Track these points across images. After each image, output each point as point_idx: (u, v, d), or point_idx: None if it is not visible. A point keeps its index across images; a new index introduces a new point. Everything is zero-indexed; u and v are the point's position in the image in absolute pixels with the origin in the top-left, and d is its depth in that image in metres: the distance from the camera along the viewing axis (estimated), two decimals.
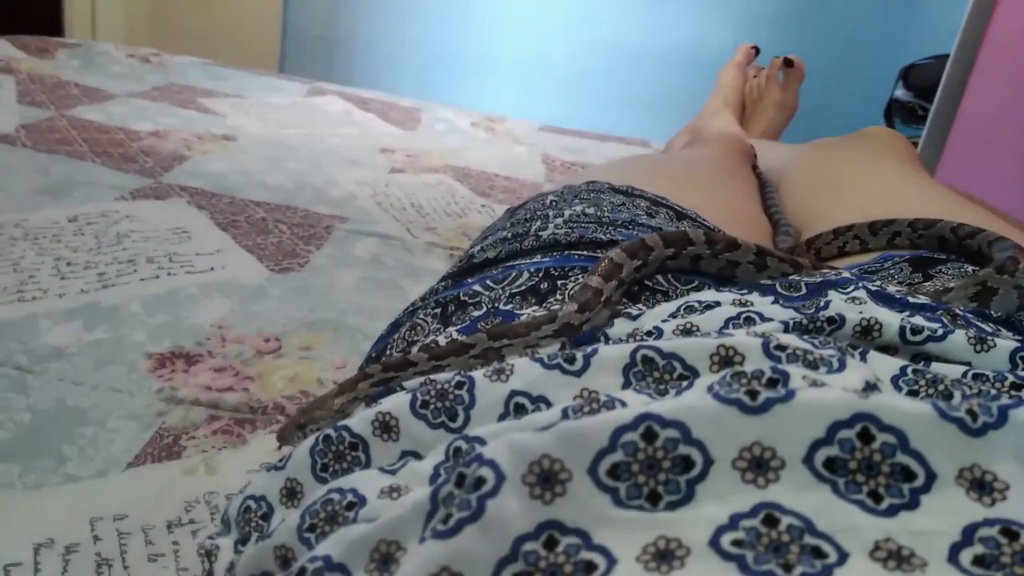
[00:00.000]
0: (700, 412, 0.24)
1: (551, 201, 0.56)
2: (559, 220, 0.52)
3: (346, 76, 2.45)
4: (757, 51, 1.41)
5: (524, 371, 0.31)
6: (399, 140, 1.51)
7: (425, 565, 0.21)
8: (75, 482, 0.55)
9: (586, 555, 0.22)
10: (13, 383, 0.63)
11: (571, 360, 0.31)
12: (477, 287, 0.45)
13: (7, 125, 1.21)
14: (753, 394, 0.24)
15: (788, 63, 1.34)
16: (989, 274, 0.41)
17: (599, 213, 0.53)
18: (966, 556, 0.21)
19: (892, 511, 0.23)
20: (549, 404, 0.29)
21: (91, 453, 0.58)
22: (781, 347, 0.29)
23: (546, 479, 0.23)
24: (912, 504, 0.23)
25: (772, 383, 0.26)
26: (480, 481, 0.23)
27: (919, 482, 0.23)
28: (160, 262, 0.87)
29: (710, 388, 0.25)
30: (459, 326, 0.42)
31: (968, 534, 0.22)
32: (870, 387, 0.27)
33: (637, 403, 0.26)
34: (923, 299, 0.38)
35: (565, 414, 0.26)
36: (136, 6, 2.51)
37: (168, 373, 0.68)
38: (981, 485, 0.23)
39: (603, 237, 0.49)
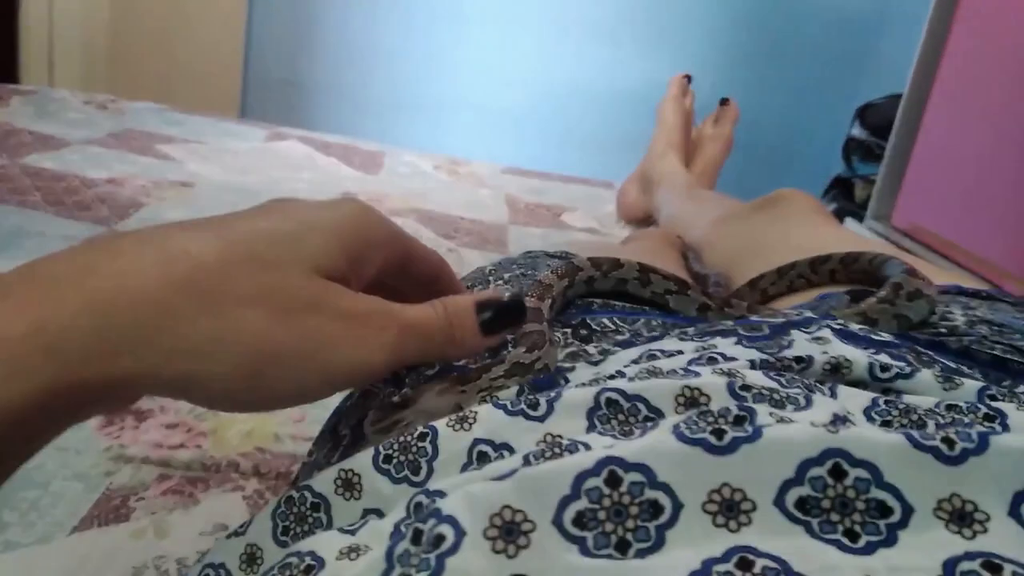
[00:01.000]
0: (664, 454, 0.23)
1: (489, 270, 0.56)
2: (499, 283, 0.52)
3: (308, 119, 2.45)
4: (689, 79, 1.46)
5: (487, 418, 0.30)
6: (362, 184, 1.50)
7: None
8: (15, 549, 0.52)
9: None
10: None
11: (534, 406, 0.30)
12: None
13: None
14: (719, 433, 0.23)
15: (723, 102, 1.44)
16: (870, 305, 0.43)
17: (536, 274, 0.54)
18: None
19: (870, 549, 0.22)
20: (512, 451, 0.28)
21: (33, 518, 0.55)
22: (747, 387, 0.29)
23: (508, 531, 0.22)
24: (890, 540, 0.22)
25: (739, 420, 0.25)
26: (439, 538, 0.22)
27: (896, 517, 0.22)
28: None
29: (675, 428, 0.24)
30: (409, 381, 0.41)
31: (949, 569, 0.21)
32: (839, 419, 0.26)
33: (599, 446, 0.25)
34: (886, 336, 0.37)
35: (527, 460, 0.25)
36: (94, 50, 2.49)
37: (116, 430, 0.65)
38: (961, 516, 0.22)
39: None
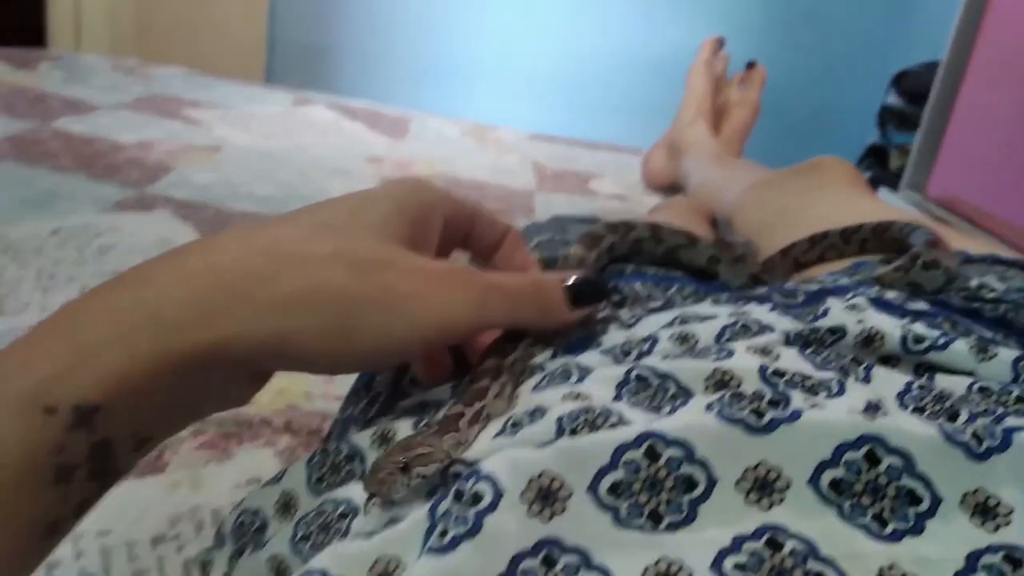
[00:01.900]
0: (704, 431, 0.24)
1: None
2: (529, 247, 0.52)
3: (333, 85, 2.44)
4: (721, 42, 1.43)
5: (522, 390, 0.32)
6: (388, 149, 1.49)
7: None
8: None
9: (586, 575, 0.22)
10: None
11: (567, 375, 0.31)
12: None
13: None
14: (759, 414, 0.24)
15: (750, 65, 1.41)
16: (886, 273, 0.43)
17: (565, 240, 0.54)
18: None
19: (897, 536, 0.23)
20: (544, 412, 0.28)
21: None
22: (779, 373, 0.29)
23: (545, 496, 0.23)
24: (917, 529, 0.23)
25: (774, 404, 0.26)
26: (477, 497, 0.23)
27: (924, 506, 0.23)
28: None
29: (710, 407, 0.25)
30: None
31: (972, 561, 0.22)
32: (872, 407, 0.26)
33: (638, 419, 0.26)
34: (923, 305, 0.37)
35: (560, 425, 0.26)
36: (121, 16, 2.49)
37: None
38: (985, 510, 0.23)
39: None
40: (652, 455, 0.24)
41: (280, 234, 0.29)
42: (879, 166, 2.19)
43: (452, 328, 0.30)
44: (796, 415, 0.24)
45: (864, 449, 0.24)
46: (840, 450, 0.24)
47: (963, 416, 0.27)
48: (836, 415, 0.25)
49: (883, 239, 0.55)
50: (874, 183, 1.96)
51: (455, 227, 0.35)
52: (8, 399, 0.24)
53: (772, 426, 0.24)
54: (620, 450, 0.24)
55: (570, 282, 0.34)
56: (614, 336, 0.36)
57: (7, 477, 0.24)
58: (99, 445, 0.25)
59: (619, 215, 0.59)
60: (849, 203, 0.75)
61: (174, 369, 0.26)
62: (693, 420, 0.25)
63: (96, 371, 0.25)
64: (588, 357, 0.33)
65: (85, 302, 0.27)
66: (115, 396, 0.25)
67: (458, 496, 0.23)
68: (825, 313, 0.34)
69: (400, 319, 0.29)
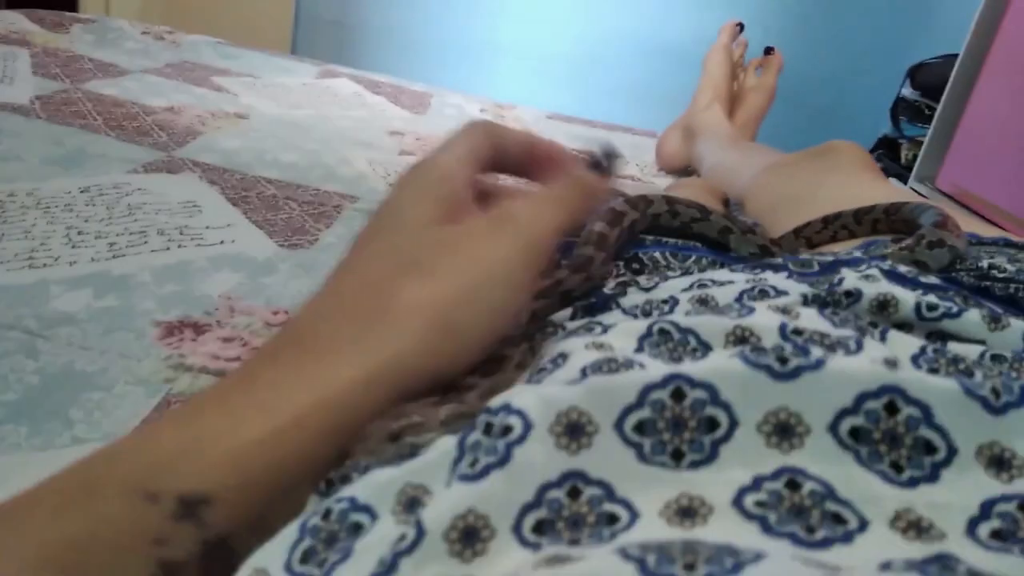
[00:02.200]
0: (730, 375, 0.25)
1: None
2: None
3: (356, 60, 2.46)
4: (741, 27, 1.43)
5: (548, 343, 0.32)
6: (409, 124, 1.52)
7: (452, 507, 0.22)
8: (82, 445, 0.56)
9: (609, 507, 0.23)
10: (23, 346, 0.65)
11: (590, 330, 0.32)
12: None
13: (22, 96, 1.22)
14: (783, 360, 0.25)
15: (768, 51, 1.42)
16: (893, 252, 0.43)
17: None
18: (984, 529, 0.22)
19: (912, 483, 0.23)
20: (567, 357, 0.29)
21: (98, 417, 0.59)
22: (798, 332, 0.29)
23: (573, 430, 0.24)
24: (932, 477, 0.23)
25: (797, 355, 0.26)
26: (508, 429, 0.23)
27: (940, 456, 0.23)
28: (171, 234, 0.89)
29: (740, 353, 0.25)
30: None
31: (986, 508, 0.22)
32: (891, 363, 0.27)
33: (661, 364, 0.26)
34: (934, 280, 0.38)
35: (584, 373, 0.27)
36: None
37: (176, 341, 0.69)
38: (1000, 462, 0.23)
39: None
40: (678, 395, 0.24)
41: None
42: (890, 158, 2.19)
43: (541, 246, 0.32)
44: (820, 363, 0.25)
45: (884, 399, 0.24)
46: (861, 399, 0.24)
47: (978, 376, 0.27)
48: (859, 365, 0.25)
49: (894, 220, 0.56)
50: (884, 174, 1.96)
51: (515, 163, 0.37)
52: (113, 482, 0.24)
53: (796, 373, 0.24)
54: (647, 389, 0.24)
55: (591, 158, 0.36)
56: (634, 298, 0.38)
57: (106, 563, 0.23)
58: (212, 544, 0.24)
59: (636, 191, 0.60)
60: (861, 186, 0.75)
61: (291, 452, 0.25)
62: (719, 364, 0.25)
63: (205, 459, 0.24)
64: (609, 316, 0.34)
65: (203, 397, 0.27)
66: (226, 487, 0.24)
67: (488, 429, 0.24)
68: (840, 282, 0.35)
69: (482, 301, 0.30)
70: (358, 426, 0.27)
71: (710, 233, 0.49)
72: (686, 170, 1.39)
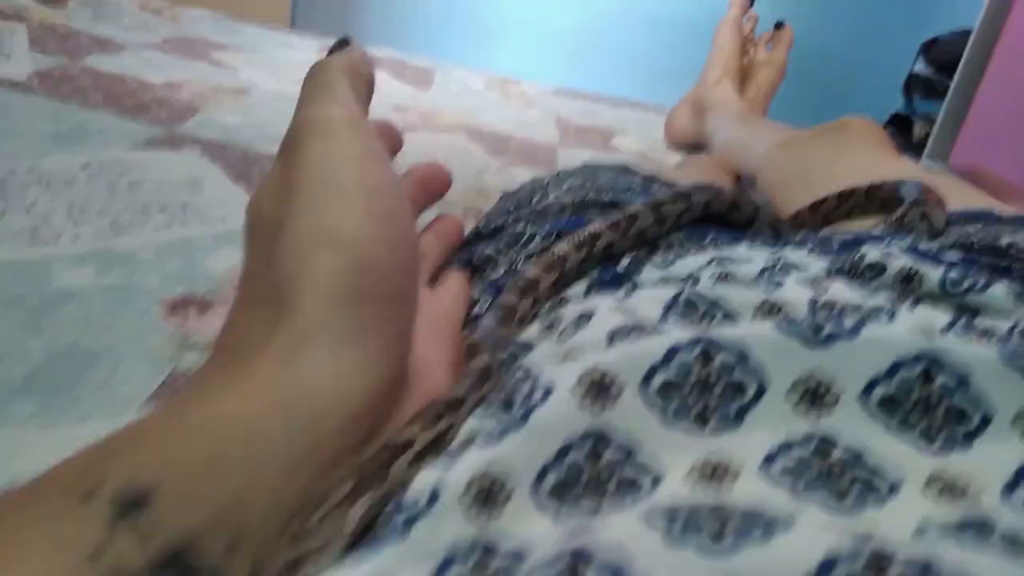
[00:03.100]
0: (761, 340, 0.24)
1: (547, 181, 0.56)
2: (558, 192, 0.52)
3: (357, 34, 2.42)
4: (752, 1, 1.41)
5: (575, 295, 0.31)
6: (412, 99, 1.49)
7: (468, 468, 0.21)
8: (89, 421, 0.55)
9: (631, 470, 0.22)
10: (27, 324, 0.63)
11: (616, 296, 0.31)
12: (490, 251, 0.45)
13: (20, 72, 1.20)
14: (817, 328, 0.24)
15: (778, 26, 1.39)
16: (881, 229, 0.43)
17: (596, 184, 0.54)
18: (1021, 494, 0.21)
19: (945, 450, 0.23)
20: (589, 318, 0.28)
21: (104, 394, 0.58)
22: (829, 304, 0.28)
23: (597, 390, 0.23)
24: (965, 446, 0.23)
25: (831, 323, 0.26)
26: (530, 392, 0.23)
27: (974, 424, 0.23)
28: (173, 211, 0.87)
29: (772, 321, 0.25)
30: (476, 290, 0.41)
31: (1021, 475, 0.21)
32: (926, 333, 0.26)
33: (690, 329, 0.26)
34: (954, 258, 0.37)
35: (611, 337, 0.26)
36: None
37: (181, 319, 0.68)
38: None
39: (604, 198, 0.50)
40: (705, 358, 0.24)
41: None
42: (902, 135, 2.17)
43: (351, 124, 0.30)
44: (855, 331, 0.24)
45: (920, 367, 0.24)
46: (896, 367, 0.24)
47: (1015, 344, 0.26)
48: (895, 333, 0.25)
49: (886, 199, 0.55)
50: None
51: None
52: (52, 482, 0.20)
53: (830, 340, 0.24)
54: (674, 351, 0.24)
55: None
56: (650, 275, 0.36)
57: None
58: (163, 562, 0.19)
59: (640, 160, 0.58)
60: (875, 162, 0.74)
61: (239, 427, 0.22)
62: (750, 330, 0.25)
63: (142, 450, 0.21)
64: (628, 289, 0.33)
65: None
66: (168, 481, 0.20)
67: (507, 400, 0.24)
68: (861, 259, 0.34)
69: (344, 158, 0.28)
70: (311, 396, 0.23)
71: (694, 214, 0.45)
72: (696, 146, 1.38)
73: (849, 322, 0.26)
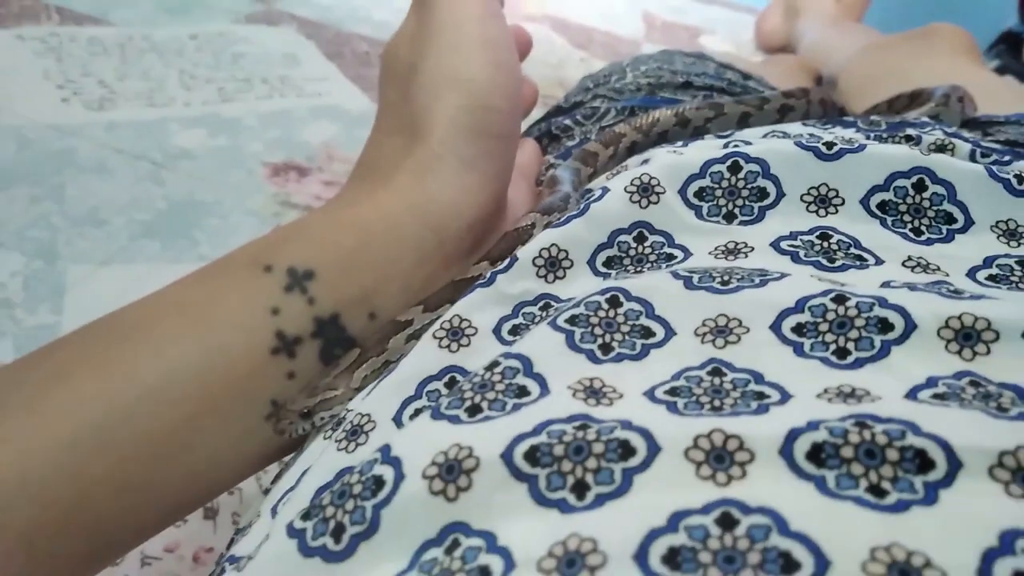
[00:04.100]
0: (781, 153, 0.29)
1: (626, 64, 0.59)
2: (636, 73, 0.55)
3: None
4: None
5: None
6: None
7: (539, 243, 0.26)
8: (207, 260, 0.62)
9: (668, 249, 0.27)
10: (150, 175, 0.71)
11: (674, 146, 0.35)
12: (568, 122, 0.49)
13: None
14: (830, 144, 0.28)
15: None
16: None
17: (672, 68, 0.56)
18: (982, 274, 0.25)
19: (929, 242, 0.27)
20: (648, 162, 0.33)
21: (219, 239, 0.65)
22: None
23: (644, 190, 0.28)
24: (947, 239, 0.27)
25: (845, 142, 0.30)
26: (589, 191, 0.28)
27: (958, 225, 0.27)
28: (273, 83, 0.93)
29: (786, 135, 0.29)
30: (554, 154, 0.46)
31: (988, 262, 0.25)
32: (924, 151, 0.30)
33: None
34: (995, 145, 0.40)
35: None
36: None
37: (282, 181, 0.74)
38: (1011, 233, 0.26)
39: (679, 79, 0.53)
40: (735, 168, 0.29)
41: None
42: (1010, 54, 2.05)
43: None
44: (862, 147, 0.28)
45: (914, 178, 0.28)
46: (893, 177, 0.28)
47: (1008, 164, 0.30)
48: (896, 149, 0.28)
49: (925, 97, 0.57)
50: (1001, 71, 1.84)
51: None
52: (240, 258, 0.26)
53: (840, 154, 0.28)
54: (708, 163, 0.29)
55: None
56: (710, 139, 0.41)
57: (228, 328, 0.24)
58: (324, 321, 0.26)
59: (726, 57, 0.59)
60: (955, 70, 0.74)
61: (381, 224, 0.27)
62: (773, 144, 0.29)
63: (307, 239, 0.27)
64: None
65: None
66: (327, 261, 0.26)
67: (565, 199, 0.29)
68: (909, 136, 0.38)
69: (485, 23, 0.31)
70: (437, 204, 0.28)
71: (728, 126, 0.46)
72: (785, 50, 1.35)
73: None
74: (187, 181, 0.71)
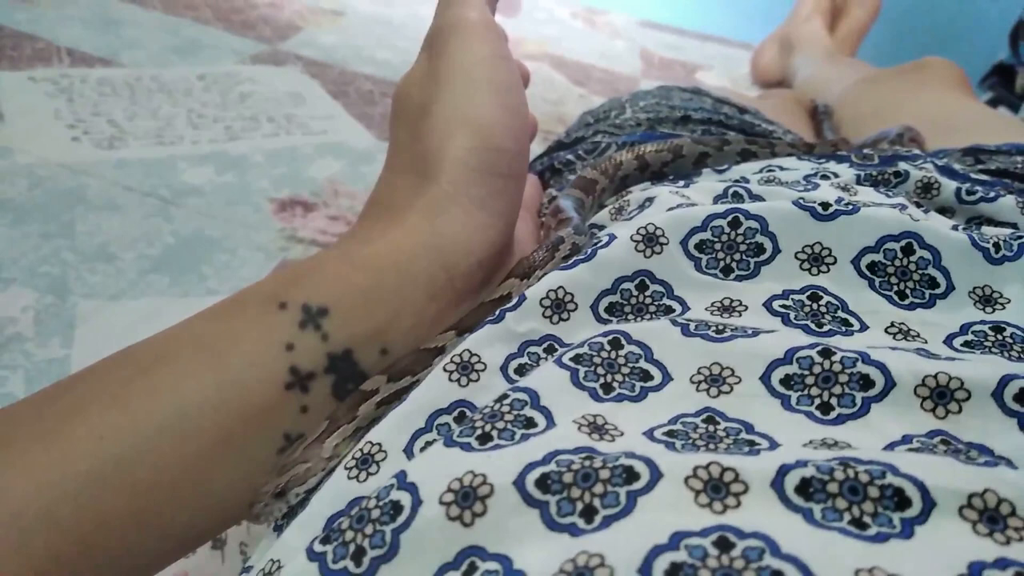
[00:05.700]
0: (779, 212, 0.30)
1: (625, 100, 0.60)
2: (635, 108, 0.57)
3: None
4: None
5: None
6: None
7: (547, 284, 0.27)
8: (215, 295, 0.63)
9: (667, 301, 0.28)
10: (159, 211, 0.72)
11: (677, 186, 0.36)
12: (570, 156, 0.50)
13: None
14: (826, 205, 0.30)
15: None
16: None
17: (670, 103, 0.58)
18: (958, 341, 0.27)
19: (912, 307, 0.28)
20: (653, 200, 0.34)
21: (227, 274, 0.66)
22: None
23: (649, 240, 0.29)
24: (929, 304, 0.28)
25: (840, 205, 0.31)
26: (597, 237, 0.29)
27: (939, 290, 0.28)
28: (279, 121, 0.95)
29: (793, 199, 0.30)
30: (556, 188, 0.47)
31: (965, 328, 0.27)
32: (915, 216, 0.31)
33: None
34: (983, 177, 0.41)
35: (668, 210, 0.32)
36: None
37: (288, 216, 0.76)
38: (987, 299, 0.28)
39: (677, 114, 0.54)
40: (735, 224, 0.30)
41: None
42: (1003, 86, 2.08)
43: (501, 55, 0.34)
44: (855, 209, 0.30)
45: (903, 242, 0.29)
46: (883, 240, 0.29)
47: (986, 233, 0.31)
48: (887, 213, 0.30)
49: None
50: (994, 103, 1.87)
51: None
52: (256, 295, 0.27)
53: (834, 216, 0.29)
54: (711, 217, 0.30)
55: None
56: (708, 176, 0.42)
57: (244, 364, 0.25)
58: (337, 357, 0.26)
59: (723, 92, 0.61)
60: (947, 104, 0.75)
61: (394, 263, 0.28)
62: (773, 204, 0.30)
63: (321, 277, 0.27)
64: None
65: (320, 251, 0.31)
66: (341, 299, 0.27)
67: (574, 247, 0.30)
68: (894, 169, 0.39)
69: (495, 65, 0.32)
70: (451, 240, 0.29)
71: (685, 168, 0.47)
72: (781, 84, 1.38)
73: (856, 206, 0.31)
74: (195, 217, 0.72)
